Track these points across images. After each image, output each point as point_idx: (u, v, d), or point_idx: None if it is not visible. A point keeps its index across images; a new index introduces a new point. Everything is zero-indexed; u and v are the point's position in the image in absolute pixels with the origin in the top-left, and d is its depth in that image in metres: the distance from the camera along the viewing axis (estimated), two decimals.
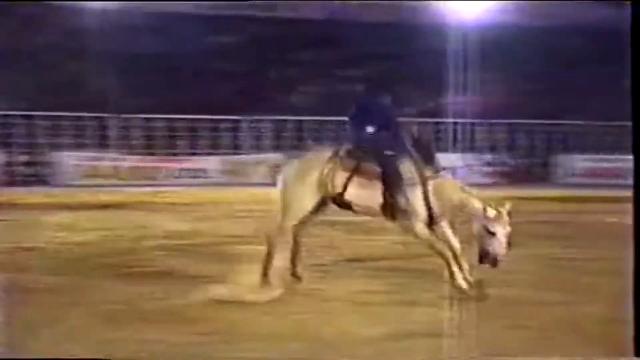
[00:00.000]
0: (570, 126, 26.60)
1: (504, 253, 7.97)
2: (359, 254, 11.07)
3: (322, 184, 8.47)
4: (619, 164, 24.63)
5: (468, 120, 26.74)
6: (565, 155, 25.86)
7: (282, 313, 7.65)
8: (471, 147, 26.26)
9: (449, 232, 8.49)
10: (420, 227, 8.30)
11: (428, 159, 8.48)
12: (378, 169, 8.37)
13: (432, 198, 8.27)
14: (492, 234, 7.91)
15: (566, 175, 25.44)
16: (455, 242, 8.41)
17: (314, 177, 8.49)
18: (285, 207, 8.61)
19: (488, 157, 26.10)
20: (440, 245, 8.33)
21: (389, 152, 8.38)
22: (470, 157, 25.90)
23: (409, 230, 8.41)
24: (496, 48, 27.97)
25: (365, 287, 8.89)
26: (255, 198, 17.93)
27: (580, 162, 25.58)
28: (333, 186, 8.46)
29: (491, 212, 7.95)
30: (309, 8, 28.01)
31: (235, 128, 26.29)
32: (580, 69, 28.85)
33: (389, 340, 6.80)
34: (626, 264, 9.74)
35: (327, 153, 8.67)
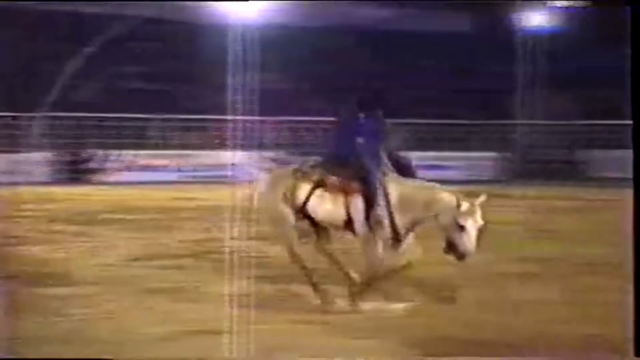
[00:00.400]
0: None
1: (473, 247, 7.61)
2: (144, 252, 10.98)
3: (286, 197, 8.24)
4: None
5: (252, 118, 27.03)
6: None
7: (61, 314, 7.51)
8: (255, 145, 26.55)
9: (411, 247, 8.14)
10: (378, 247, 7.96)
11: (405, 172, 8.20)
12: (348, 183, 8.04)
13: (396, 213, 7.90)
14: (462, 227, 7.56)
15: None
16: (413, 255, 8.08)
17: (280, 191, 8.28)
18: (271, 225, 8.55)
19: (272, 154, 26.48)
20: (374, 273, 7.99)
21: (371, 168, 8.04)
22: (254, 155, 26.21)
23: (367, 250, 8.06)
24: (276, 48, 28.53)
25: (152, 285, 8.83)
26: (37, 197, 17.38)
27: None
28: (295, 199, 8.21)
29: (464, 205, 7.59)
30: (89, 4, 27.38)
31: (14, 125, 25.21)
32: (356, 68, 29.95)
33: (169, 339, 6.74)
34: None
35: (291, 167, 8.51)
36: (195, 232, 12.84)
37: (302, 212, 8.22)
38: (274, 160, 26.35)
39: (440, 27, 33.45)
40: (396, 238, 7.95)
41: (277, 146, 26.79)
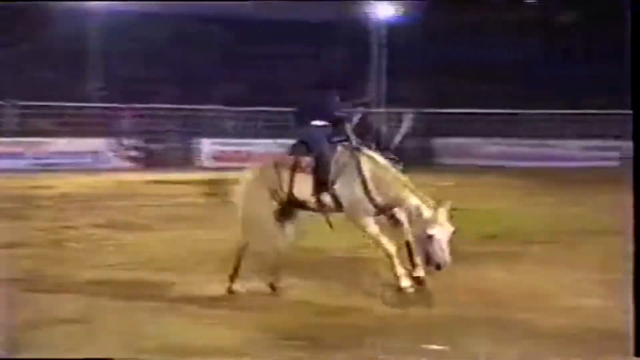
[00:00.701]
0: (209, 111, 27.52)
1: (447, 257, 7.07)
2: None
3: (273, 191, 7.89)
4: (248, 148, 25.97)
5: (110, 105, 26.70)
6: (201, 139, 26.69)
7: None
8: (113, 132, 26.27)
9: (403, 219, 7.66)
10: (365, 220, 7.60)
11: (383, 147, 7.84)
12: (312, 163, 7.77)
13: (372, 188, 7.50)
14: (430, 236, 7.04)
15: (203, 159, 26.24)
16: (409, 233, 7.61)
17: (264, 188, 7.94)
18: (244, 225, 8.05)
19: (130, 141, 26.23)
20: (384, 242, 7.53)
21: (323, 144, 7.78)
22: (112, 142, 25.91)
23: (356, 224, 7.70)
24: (135, 35, 28.26)
25: (4, 274, 8.69)
26: None
27: (218, 145, 26.54)
28: (281, 187, 7.88)
29: (426, 212, 7.13)
30: None
31: None
32: (216, 56, 30.05)
33: (20, 328, 6.68)
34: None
35: (272, 159, 8.17)
36: (51, 220, 12.70)
37: (291, 199, 7.93)
38: (133, 147, 26.16)
39: (296, 15, 33.81)
40: (379, 210, 7.62)
41: (136, 134, 26.53)
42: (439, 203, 7.18)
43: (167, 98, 27.02)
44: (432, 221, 7.05)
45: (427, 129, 27.92)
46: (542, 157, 26.59)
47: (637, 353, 5.58)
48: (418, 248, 7.37)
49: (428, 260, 7.16)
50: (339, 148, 7.79)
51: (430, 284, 7.77)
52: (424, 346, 6.30)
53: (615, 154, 26.78)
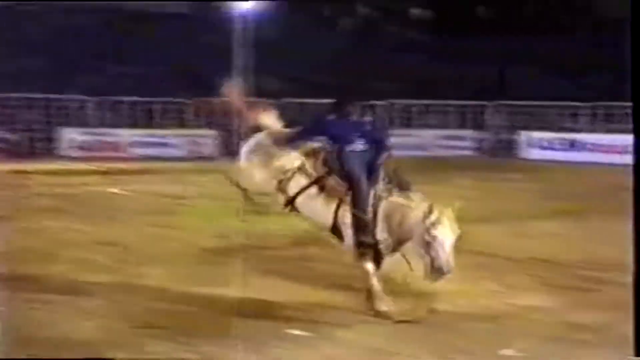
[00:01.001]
0: (71, 101, 27.00)
1: (448, 261, 6.55)
2: None
3: (278, 177, 7.51)
4: (116, 139, 25.71)
5: None
6: (65, 128, 26.16)
7: None
8: None
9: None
10: (367, 261, 7.05)
11: (400, 185, 7.16)
12: (342, 190, 7.14)
13: (380, 227, 7.02)
14: (433, 237, 6.54)
15: (67, 149, 25.72)
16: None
17: (275, 165, 7.53)
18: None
19: None
20: (373, 281, 6.99)
21: (365, 175, 7.12)
22: None
23: (358, 261, 7.14)
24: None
25: None
26: None
27: (80, 135, 26.08)
28: (285, 186, 7.47)
29: (434, 214, 6.59)
30: None
31: None
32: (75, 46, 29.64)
33: None
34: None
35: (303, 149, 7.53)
36: None
37: (286, 198, 7.56)
38: None
39: (167, 8, 33.73)
40: (377, 257, 7.14)
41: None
42: (446, 205, 6.75)
43: (29, 87, 26.32)
44: (437, 222, 6.60)
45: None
46: (400, 147, 27.29)
47: (637, 353, 5.53)
48: (421, 253, 6.76)
49: (431, 265, 6.62)
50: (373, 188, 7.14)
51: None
52: (287, 331, 6.44)
53: (469, 143, 27.94)
